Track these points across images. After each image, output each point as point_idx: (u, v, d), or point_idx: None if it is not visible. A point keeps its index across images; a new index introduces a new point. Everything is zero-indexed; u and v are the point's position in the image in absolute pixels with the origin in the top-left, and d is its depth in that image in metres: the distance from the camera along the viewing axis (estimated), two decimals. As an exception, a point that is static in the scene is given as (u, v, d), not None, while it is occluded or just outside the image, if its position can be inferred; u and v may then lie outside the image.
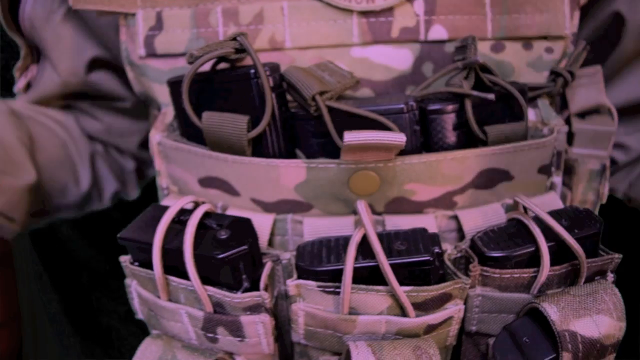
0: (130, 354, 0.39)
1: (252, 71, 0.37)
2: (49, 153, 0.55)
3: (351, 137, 0.34)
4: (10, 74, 0.58)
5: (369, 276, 0.35)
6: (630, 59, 0.49)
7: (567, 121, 0.50)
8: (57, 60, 0.53)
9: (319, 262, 0.36)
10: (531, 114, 0.43)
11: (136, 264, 0.39)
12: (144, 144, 0.63)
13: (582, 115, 0.50)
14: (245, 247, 0.35)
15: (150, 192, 0.68)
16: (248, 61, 0.40)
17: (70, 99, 0.58)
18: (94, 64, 0.54)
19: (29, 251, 0.83)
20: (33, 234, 0.81)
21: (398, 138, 0.34)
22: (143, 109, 0.57)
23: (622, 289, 0.36)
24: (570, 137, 0.49)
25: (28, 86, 0.57)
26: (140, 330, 0.90)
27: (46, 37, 0.52)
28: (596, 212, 0.50)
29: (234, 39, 0.38)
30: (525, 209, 0.39)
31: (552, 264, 0.36)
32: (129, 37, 0.45)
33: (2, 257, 0.57)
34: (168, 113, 0.44)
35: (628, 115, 0.52)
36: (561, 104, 0.51)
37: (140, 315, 0.41)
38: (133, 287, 0.40)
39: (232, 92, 0.39)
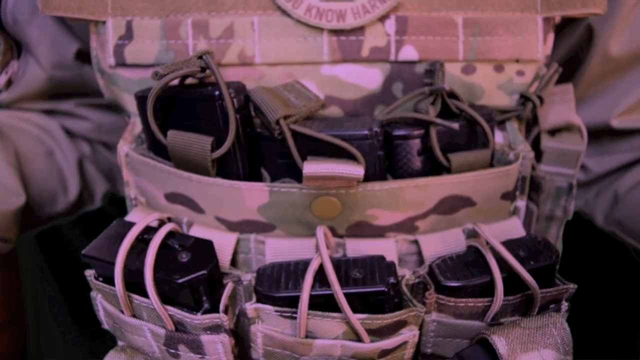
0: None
1: (217, 93, 0.37)
2: (37, 166, 0.55)
3: (310, 168, 0.34)
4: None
5: (326, 302, 0.36)
6: (596, 82, 0.50)
7: (537, 138, 0.51)
8: (42, 54, 0.53)
9: (277, 287, 0.36)
10: (499, 137, 0.43)
11: (100, 279, 0.39)
12: None
13: (552, 132, 0.51)
14: (204, 271, 0.35)
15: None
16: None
17: (54, 99, 0.58)
18: (81, 58, 0.54)
19: (34, 251, 0.84)
20: (38, 234, 0.82)
21: (356, 171, 0.34)
22: None
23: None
24: (539, 154, 0.49)
25: (9, 83, 0.56)
26: None
27: (30, 32, 0.52)
28: (562, 227, 0.51)
29: (200, 57, 0.38)
30: (485, 235, 0.40)
31: (507, 293, 0.37)
32: (99, 44, 0.44)
33: (5, 259, 0.58)
34: (137, 124, 0.44)
35: (591, 137, 0.52)
36: (532, 120, 0.51)
37: (106, 326, 0.42)
38: (98, 300, 0.40)
39: (197, 111, 0.38)
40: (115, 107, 0.49)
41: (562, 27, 0.46)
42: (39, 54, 0.53)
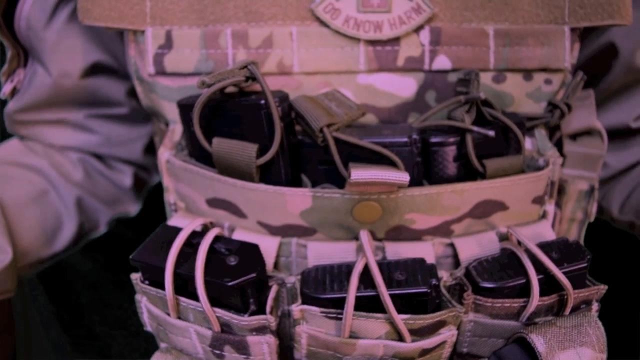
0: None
1: (262, 102, 0.38)
2: (29, 214, 0.53)
3: (357, 175, 0.36)
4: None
5: (369, 303, 0.37)
6: (617, 89, 0.51)
7: (559, 142, 0.52)
8: (53, 62, 0.52)
9: (322, 289, 0.37)
10: (528, 144, 0.45)
11: (146, 282, 0.40)
12: (148, 149, 0.62)
13: (574, 137, 0.52)
14: (253, 274, 0.37)
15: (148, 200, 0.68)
16: (257, 86, 0.41)
17: (62, 108, 0.56)
18: (94, 69, 0.53)
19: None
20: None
21: (402, 177, 0.36)
22: (142, 115, 0.57)
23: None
24: (561, 158, 0.51)
25: (14, 91, 0.55)
26: (131, 335, 0.92)
27: (45, 39, 0.51)
28: (584, 229, 0.53)
29: (245, 67, 0.39)
30: (518, 239, 0.41)
31: (541, 294, 0.38)
32: (137, 53, 0.45)
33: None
34: (176, 131, 0.45)
35: (610, 135, 0.54)
36: (554, 126, 0.52)
37: (148, 327, 0.43)
38: (143, 303, 0.41)
39: (242, 120, 0.40)
40: (151, 114, 0.50)
41: (584, 36, 0.47)
42: (50, 62, 0.52)
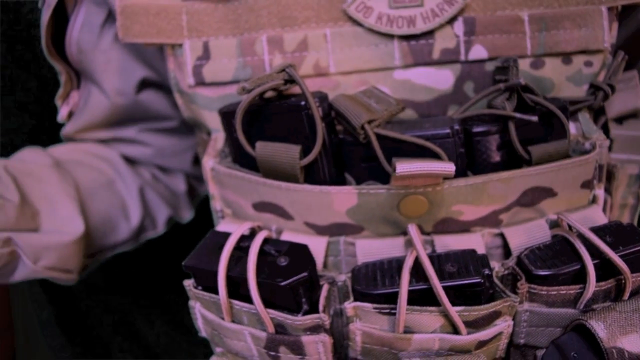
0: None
1: (303, 103, 0.39)
2: (98, 197, 0.56)
3: (403, 167, 0.36)
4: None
5: (421, 297, 0.37)
6: None
7: (605, 127, 0.51)
8: (107, 81, 0.55)
9: (374, 285, 0.38)
10: (572, 128, 0.44)
11: (199, 287, 0.41)
12: (197, 159, 0.64)
13: (620, 120, 0.51)
14: (305, 273, 0.37)
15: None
16: (295, 89, 0.41)
17: (116, 127, 0.59)
18: (143, 85, 0.56)
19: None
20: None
21: (448, 167, 0.36)
22: (189, 127, 0.59)
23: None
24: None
25: (70, 114, 0.58)
26: (131, 339, 0.93)
27: (96, 60, 0.54)
28: (637, 215, 0.51)
29: (283, 70, 0.40)
30: (569, 225, 0.40)
31: (598, 280, 0.38)
32: (176, 66, 0.47)
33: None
34: (219, 139, 0.46)
35: None
36: (598, 110, 0.51)
37: (203, 333, 0.44)
38: (197, 308, 0.42)
39: (283, 122, 0.40)
40: (193, 125, 0.51)
41: (623, 15, 0.46)
42: (103, 82, 0.55)
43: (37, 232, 0.49)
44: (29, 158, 0.54)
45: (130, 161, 0.63)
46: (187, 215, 0.68)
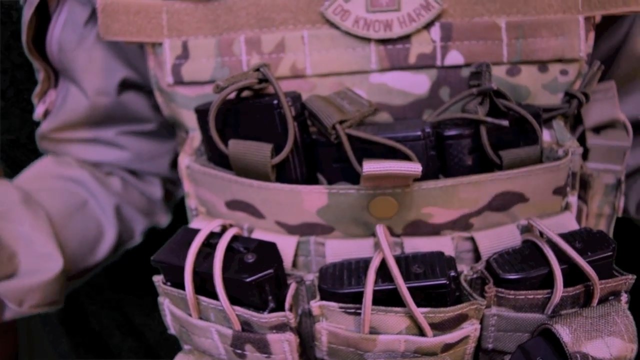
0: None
1: (275, 102, 0.39)
2: (72, 223, 0.55)
3: (370, 167, 0.36)
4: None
5: (387, 298, 0.37)
6: (624, 80, 0.50)
7: (582, 136, 0.51)
8: (87, 81, 0.54)
9: (340, 284, 0.37)
10: (546, 135, 0.44)
11: (168, 283, 0.41)
12: (174, 163, 0.64)
13: (597, 130, 0.51)
14: (271, 270, 0.37)
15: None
16: (271, 88, 0.42)
17: (96, 127, 0.58)
18: (123, 85, 0.56)
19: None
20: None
21: (414, 168, 0.36)
22: (168, 130, 0.59)
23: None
24: (585, 152, 0.50)
25: (46, 113, 0.58)
26: (131, 338, 0.93)
27: (77, 59, 0.54)
28: (612, 225, 0.51)
29: (257, 69, 0.40)
30: (540, 231, 0.40)
31: (566, 285, 0.37)
32: (156, 64, 0.47)
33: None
34: (195, 137, 0.47)
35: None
36: (575, 119, 0.51)
37: (172, 330, 0.44)
38: (165, 305, 0.42)
39: (256, 120, 0.41)
40: (173, 123, 0.51)
41: (605, 26, 0.47)
42: (83, 81, 0.54)
43: (15, 275, 0.48)
44: None
45: (100, 168, 0.61)
46: (163, 220, 0.67)
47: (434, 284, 0.36)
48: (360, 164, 0.38)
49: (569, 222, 0.43)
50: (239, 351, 0.40)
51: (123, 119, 0.59)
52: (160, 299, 0.42)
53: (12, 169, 0.75)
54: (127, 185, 0.62)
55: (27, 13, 0.50)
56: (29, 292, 0.48)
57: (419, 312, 0.36)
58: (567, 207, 0.44)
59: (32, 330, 0.91)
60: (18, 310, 0.48)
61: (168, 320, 0.43)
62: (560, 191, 0.42)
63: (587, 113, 0.50)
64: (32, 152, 0.73)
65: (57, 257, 0.50)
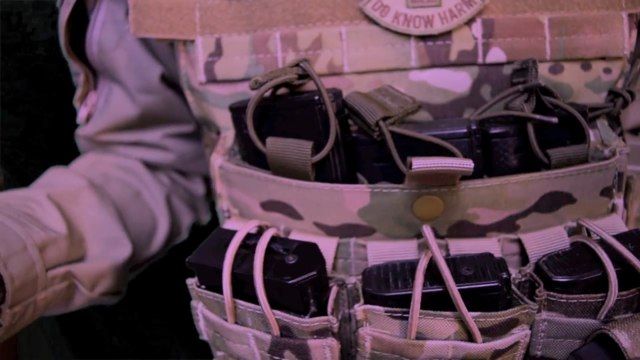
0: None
1: (317, 97, 0.38)
2: (130, 212, 0.55)
3: (419, 163, 0.34)
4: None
5: (435, 302, 0.35)
6: None
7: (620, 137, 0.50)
8: (130, 80, 0.54)
9: (386, 287, 0.36)
10: (591, 135, 0.43)
11: (203, 287, 0.39)
12: None
13: (635, 131, 0.50)
14: (314, 272, 0.35)
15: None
16: (308, 86, 0.41)
17: (139, 130, 0.58)
18: (164, 80, 0.54)
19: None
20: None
21: (466, 165, 0.34)
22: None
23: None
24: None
25: (89, 116, 0.57)
26: (131, 340, 0.91)
27: (118, 58, 0.53)
28: (653, 230, 0.50)
29: (297, 65, 0.39)
30: (588, 232, 0.39)
31: (620, 288, 0.36)
32: (188, 62, 0.46)
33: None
34: (228, 137, 0.45)
35: None
36: (613, 121, 0.50)
37: (204, 336, 0.42)
38: (199, 309, 0.40)
39: (295, 117, 0.39)
40: (203, 123, 0.50)
41: None
42: (126, 80, 0.54)
43: (84, 259, 0.48)
44: (63, 181, 0.52)
45: (149, 167, 0.61)
46: (205, 217, 0.68)
47: (486, 286, 0.35)
48: (404, 163, 0.37)
49: (617, 224, 0.41)
50: (277, 358, 0.38)
51: (166, 119, 0.58)
52: (194, 303, 0.41)
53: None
54: (173, 180, 0.63)
55: (64, 14, 0.49)
56: (101, 276, 0.48)
57: (470, 317, 0.34)
58: (613, 209, 0.43)
59: (32, 332, 0.90)
60: (88, 295, 0.48)
61: (201, 325, 0.41)
62: (607, 192, 0.41)
63: (625, 114, 0.49)
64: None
65: (126, 242, 0.51)
